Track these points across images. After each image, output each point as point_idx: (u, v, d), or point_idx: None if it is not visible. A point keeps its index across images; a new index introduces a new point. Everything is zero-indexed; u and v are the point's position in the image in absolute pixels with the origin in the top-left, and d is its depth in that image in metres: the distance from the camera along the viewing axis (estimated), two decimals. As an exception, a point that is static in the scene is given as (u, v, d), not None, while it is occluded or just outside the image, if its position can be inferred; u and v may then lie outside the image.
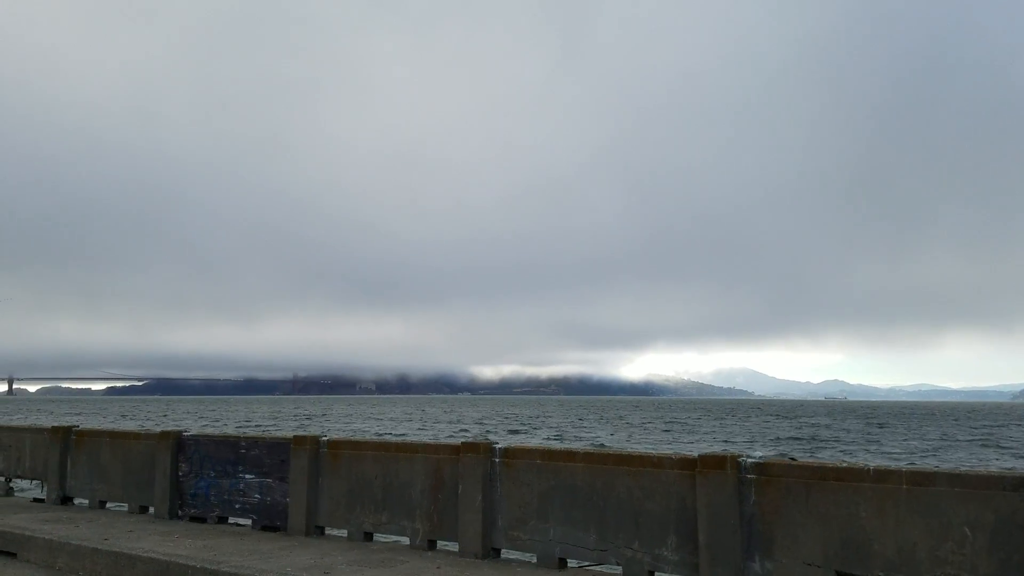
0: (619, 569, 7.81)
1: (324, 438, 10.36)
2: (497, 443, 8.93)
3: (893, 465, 6.73)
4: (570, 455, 8.34)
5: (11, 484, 14.00)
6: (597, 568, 8.13)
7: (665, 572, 7.58)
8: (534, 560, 8.36)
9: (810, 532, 6.77)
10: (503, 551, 8.68)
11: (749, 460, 7.22)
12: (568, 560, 8.19)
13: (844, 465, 6.85)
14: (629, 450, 8.42)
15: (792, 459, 7.39)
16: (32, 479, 13.65)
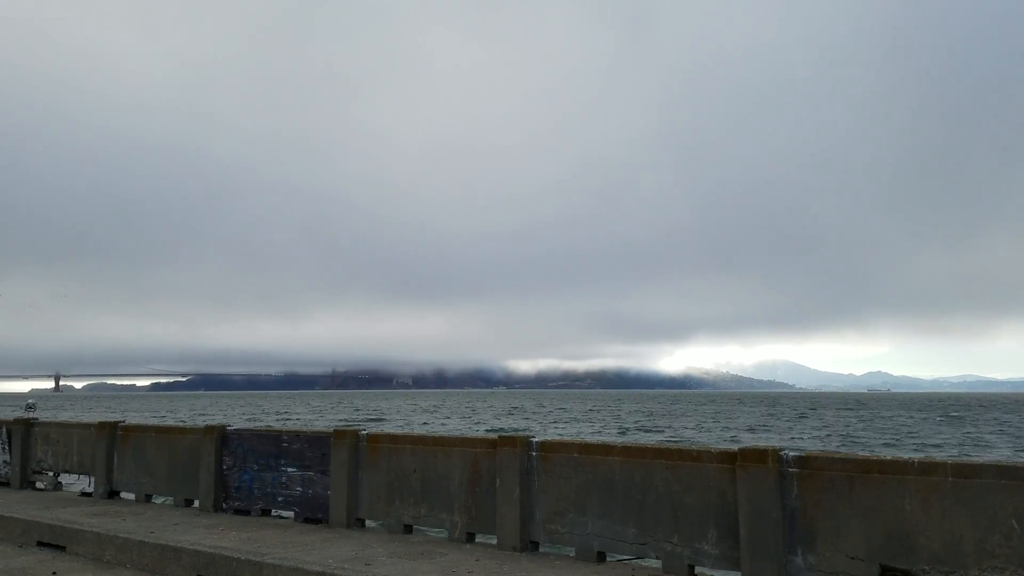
0: (659, 563, 7.78)
1: (363, 432, 10.47)
2: (534, 437, 8.94)
3: (938, 457, 6.61)
4: (607, 448, 8.32)
5: (59, 479, 14.36)
6: (636, 562, 8.11)
7: (706, 566, 7.54)
8: (572, 553, 8.36)
9: (854, 526, 6.68)
10: (541, 544, 8.69)
11: (791, 454, 7.14)
12: (607, 554, 8.18)
13: (888, 458, 6.75)
14: (668, 444, 8.37)
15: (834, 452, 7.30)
16: (80, 474, 13.98)
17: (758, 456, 7.19)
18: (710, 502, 7.48)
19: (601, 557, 8.16)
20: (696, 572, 7.61)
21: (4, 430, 14.73)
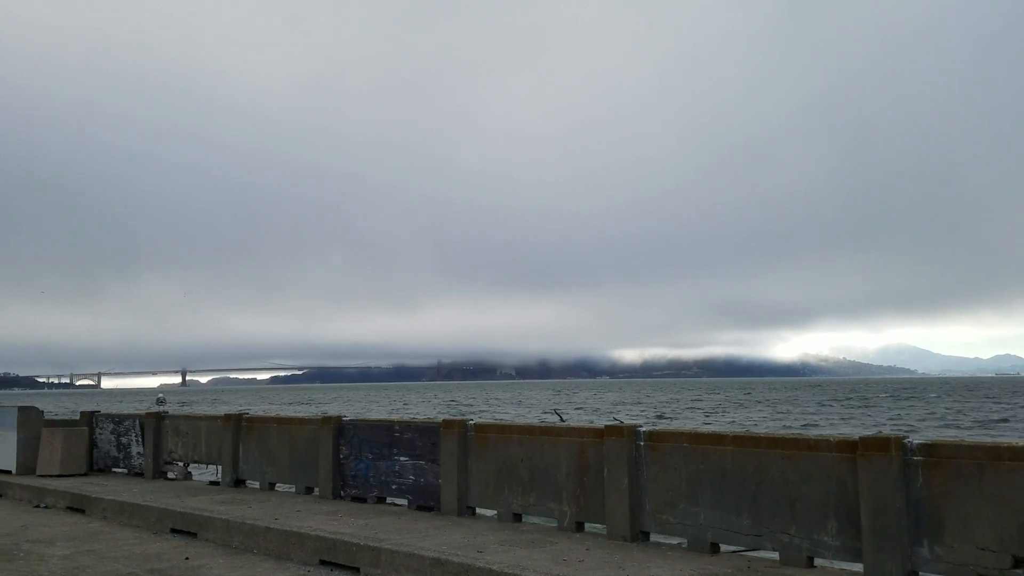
0: (775, 554, 7.58)
1: (471, 422, 10.64)
2: (641, 426, 8.87)
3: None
4: (719, 438, 8.16)
5: (189, 468, 15.24)
6: (752, 554, 7.93)
7: (825, 558, 7.30)
8: (685, 544, 8.25)
9: (983, 515, 6.33)
10: (652, 534, 8.62)
11: (915, 441, 6.82)
12: (720, 545, 8.04)
13: (1020, 444, 6.35)
14: (782, 433, 8.14)
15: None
16: (208, 463, 14.81)
17: (880, 444, 6.90)
18: (829, 492, 7.23)
19: (715, 548, 8.02)
20: (815, 564, 7.38)
21: (137, 423, 15.74)
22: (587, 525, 9.24)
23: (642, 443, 8.64)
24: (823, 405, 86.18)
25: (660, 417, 62.87)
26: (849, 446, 7.15)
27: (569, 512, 9.24)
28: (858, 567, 7.05)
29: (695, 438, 8.32)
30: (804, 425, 51.20)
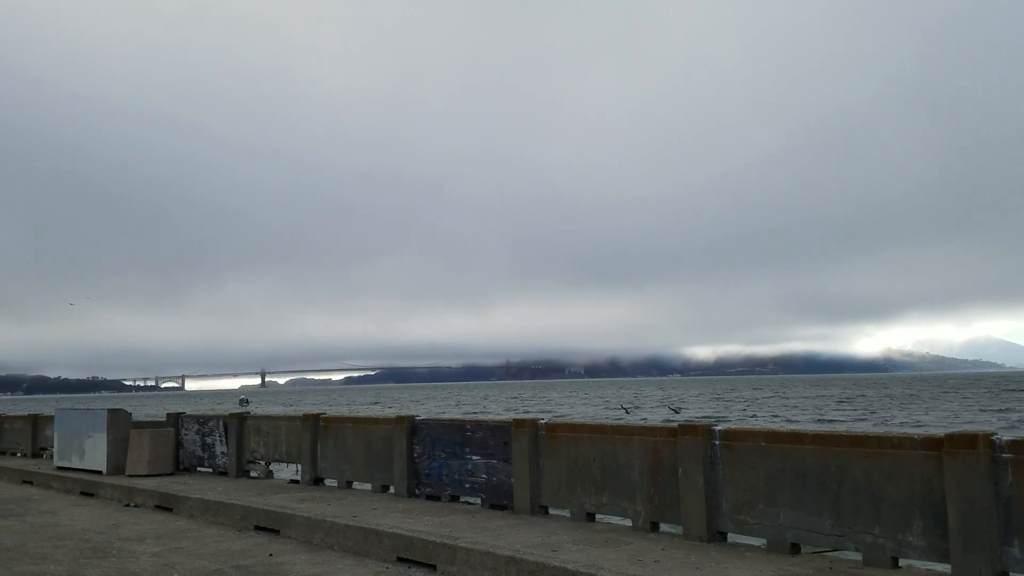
0: (858, 555, 7.39)
1: (542, 421, 10.66)
2: (716, 425, 8.75)
3: None
4: (797, 436, 7.99)
5: (270, 467, 15.69)
6: (834, 554, 7.74)
7: (911, 558, 7.08)
8: (763, 545, 8.11)
9: (1085, 518, 6.04)
10: (729, 535, 8.49)
11: (1004, 438, 6.55)
12: (801, 545, 7.87)
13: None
14: (864, 431, 7.92)
15: None
16: (288, 462, 15.21)
17: (967, 442, 6.65)
18: (914, 491, 7.00)
19: (795, 549, 7.85)
20: (900, 564, 7.17)
21: (221, 424, 16.28)
22: (662, 525, 9.16)
23: (717, 442, 8.53)
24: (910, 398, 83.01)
25: (750, 417, 61.38)
26: (934, 444, 6.92)
27: (643, 512, 9.18)
28: (945, 567, 6.82)
29: (772, 437, 8.17)
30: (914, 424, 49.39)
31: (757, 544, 8.23)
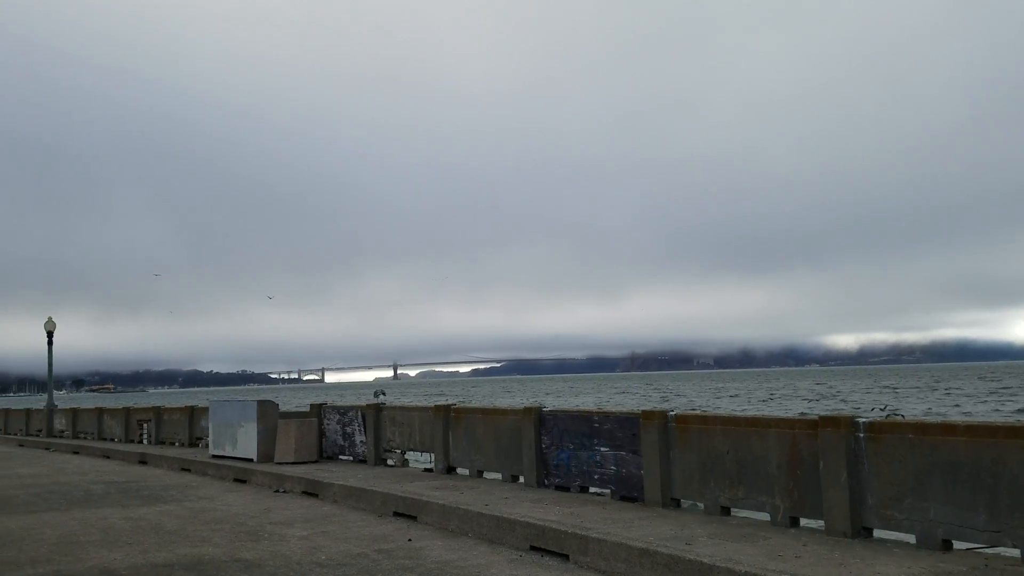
0: (1017, 552, 6.90)
1: (671, 413, 10.52)
2: (860, 417, 8.37)
3: None
4: (949, 428, 7.54)
5: (405, 456, 16.24)
6: (989, 551, 7.27)
7: (1082, 561, 6.55)
8: (912, 541, 7.70)
9: None
10: (875, 530, 8.11)
11: None
12: (953, 542, 7.43)
13: None
14: (1021, 421, 7.38)
15: None
16: (422, 451, 15.71)
17: None
18: (1084, 489, 6.47)
19: (947, 545, 7.42)
20: (1069, 568, 6.64)
21: (360, 414, 16.98)
22: (802, 520, 8.86)
23: (861, 435, 8.15)
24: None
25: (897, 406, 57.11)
26: (1109, 438, 6.36)
27: (782, 506, 8.90)
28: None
29: (921, 429, 7.74)
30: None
31: (905, 540, 7.83)
